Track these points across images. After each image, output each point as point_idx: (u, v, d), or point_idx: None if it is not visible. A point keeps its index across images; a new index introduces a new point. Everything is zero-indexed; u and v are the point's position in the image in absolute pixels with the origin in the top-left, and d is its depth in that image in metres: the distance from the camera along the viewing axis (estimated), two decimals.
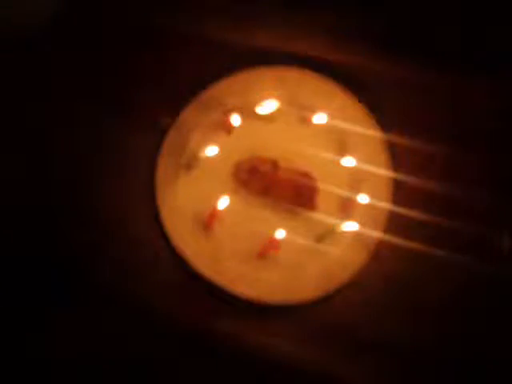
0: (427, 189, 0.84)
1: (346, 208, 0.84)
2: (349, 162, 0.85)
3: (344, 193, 0.84)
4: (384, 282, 0.82)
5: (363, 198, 0.83)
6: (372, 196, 0.83)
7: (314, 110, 0.86)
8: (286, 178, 0.84)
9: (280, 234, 0.82)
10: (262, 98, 0.86)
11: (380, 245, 0.82)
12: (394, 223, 0.83)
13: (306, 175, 0.84)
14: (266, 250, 0.82)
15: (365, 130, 0.85)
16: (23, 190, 0.85)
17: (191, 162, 0.85)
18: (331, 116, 0.86)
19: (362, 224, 0.82)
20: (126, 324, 0.81)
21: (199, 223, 0.84)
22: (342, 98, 0.86)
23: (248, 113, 0.86)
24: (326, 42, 0.89)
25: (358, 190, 0.84)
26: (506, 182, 0.85)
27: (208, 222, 0.83)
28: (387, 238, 0.82)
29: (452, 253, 0.81)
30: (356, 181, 0.85)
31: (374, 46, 0.88)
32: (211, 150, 0.85)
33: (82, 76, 0.88)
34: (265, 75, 0.87)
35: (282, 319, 0.81)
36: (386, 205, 0.83)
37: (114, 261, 0.83)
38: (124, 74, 0.88)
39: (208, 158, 0.85)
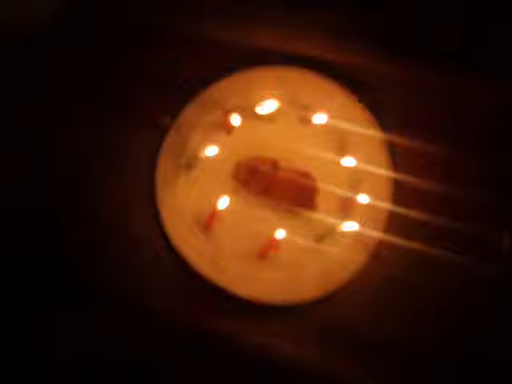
0: (427, 189, 0.84)
1: (346, 208, 0.84)
2: (349, 162, 0.85)
3: (344, 193, 0.84)
4: (384, 282, 0.82)
5: (363, 198, 0.83)
6: (372, 196, 0.83)
7: (314, 110, 0.86)
8: (286, 178, 0.84)
9: (280, 234, 0.82)
10: (262, 98, 0.86)
11: (380, 245, 0.82)
12: (394, 223, 0.83)
13: (306, 175, 0.84)
14: (266, 250, 0.82)
15: (365, 130, 0.85)
16: (23, 190, 0.85)
17: (191, 162, 0.85)
18: (331, 116, 0.86)
19: (361, 224, 0.82)
20: (126, 324, 0.81)
21: (199, 223, 0.84)
22: (341, 98, 0.86)
23: (248, 113, 0.86)
24: (326, 42, 0.89)
25: (357, 190, 0.84)
26: (506, 182, 0.85)
27: (208, 222, 0.83)
28: (387, 237, 0.82)
29: (452, 253, 0.81)
30: (356, 181, 0.85)
31: (374, 45, 0.88)
32: (211, 150, 0.85)
33: (82, 76, 0.88)
34: (265, 75, 0.87)
35: (282, 319, 0.81)
36: (386, 205, 0.83)
37: (114, 261, 0.83)
38: (124, 74, 0.88)
39: (208, 158, 0.85)
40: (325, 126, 0.86)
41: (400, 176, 0.84)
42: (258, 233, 0.83)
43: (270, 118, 0.87)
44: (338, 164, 0.85)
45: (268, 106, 0.86)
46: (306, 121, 0.87)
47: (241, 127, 0.86)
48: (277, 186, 0.84)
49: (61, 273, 0.82)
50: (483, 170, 0.85)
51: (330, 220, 0.83)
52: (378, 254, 0.82)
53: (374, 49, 0.88)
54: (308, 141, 0.86)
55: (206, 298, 0.82)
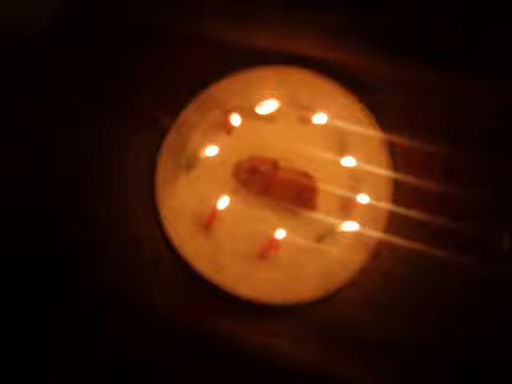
0: (427, 189, 0.84)
1: (346, 208, 0.84)
2: (349, 162, 0.85)
3: (344, 193, 0.84)
4: (384, 281, 0.82)
5: (363, 198, 0.83)
6: (372, 196, 0.83)
7: (314, 110, 0.86)
8: (285, 178, 0.84)
9: (280, 234, 0.82)
10: (262, 98, 0.86)
11: (380, 245, 0.82)
12: (394, 223, 0.83)
13: (306, 175, 0.84)
14: (266, 250, 0.82)
15: (365, 130, 0.85)
16: (23, 190, 0.85)
17: (191, 162, 0.85)
18: (331, 116, 0.86)
19: (362, 224, 0.82)
20: (126, 324, 0.81)
21: (199, 223, 0.84)
22: (342, 98, 0.86)
23: (248, 113, 0.86)
24: (325, 42, 0.89)
25: (357, 190, 0.84)
26: (506, 182, 0.85)
27: (208, 222, 0.83)
28: (387, 237, 0.82)
29: (452, 253, 0.81)
30: (356, 181, 0.85)
31: (374, 45, 0.88)
32: (211, 150, 0.85)
33: (82, 76, 0.88)
34: (265, 75, 0.87)
35: (282, 319, 0.81)
36: (385, 205, 0.83)
37: (114, 261, 0.83)
38: (124, 74, 0.88)
39: (208, 158, 0.85)
40: (325, 126, 0.86)
41: (400, 176, 0.84)
42: (258, 233, 0.83)
43: (269, 118, 0.87)
44: (338, 164, 0.85)
45: (268, 106, 0.86)
46: (305, 121, 0.87)
47: (241, 127, 0.86)
48: (277, 185, 0.84)
49: (61, 273, 0.82)
50: (483, 170, 0.85)
51: (330, 220, 0.83)
52: (378, 253, 0.82)
53: (373, 49, 0.88)
54: (308, 141, 0.86)
55: (206, 298, 0.82)
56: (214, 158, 0.85)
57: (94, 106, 0.87)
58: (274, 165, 0.84)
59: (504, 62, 0.88)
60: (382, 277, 0.82)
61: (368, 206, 0.83)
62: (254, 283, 0.82)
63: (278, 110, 0.87)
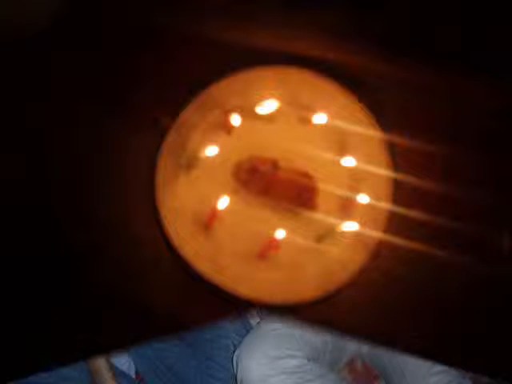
0: (427, 189, 0.84)
1: (346, 208, 0.84)
2: (349, 161, 0.85)
3: (344, 193, 0.84)
4: (384, 281, 0.82)
5: (363, 198, 0.83)
6: (372, 196, 0.83)
7: (314, 110, 0.86)
8: (286, 178, 0.84)
9: (280, 234, 0.82)
10: (262, 98, 0.86)
11: (380, 245, 0.82)
12: (394, 223, 0.83)
13: (306, 175, 0.84)
14: (266, 250, 0.82)
15: (365, 130, 0.85)
16: (23, 190, 0.84)
17: (191, 162, 0.85)
18: (331, 116, 0.86)
19: (361, 224, 0.82)
20: (126, 324, 0.81)
21: (199, 223, 0.84)
22: (342, 98, 0.86)
23: (248, 113, 0.86)
24: (326, 42, 0.89)
25: (357, 190, 0.84)
26: (506, 182, 0.85)
27: (208, 221, 0.83)
28: (387, 237, 0.82)
29: (452, 253, 0.81)
30: (356, 181, 0.85)
31: (374, 45, 0.88)
32: (211, 150, 0.85)
33: (82, 76, 0.88)
34: (265, 75, 0.87)
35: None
36: (385, 205, 0.83)
37: (114, 261, 0.83)
38: (124, 74, 0.88)
39: (208, 158, 0.85)
40: (325, 126, 0.86)
41: (400, 176, 0.84)
42: (258, 233, 0.83)
43: (269, 118, 0.87)
44: (338, 164, 0.85)
45: (268, 106, 0.86)
46: (305, 121, 0.87)
47: (241, 127, 0.86)
48: (277, 185, 0.84)
49: (61, 273, 0.82)
50: (483, 170, 0.85)
51: (330, 220, 0.83)
52: (378, 253, 0.82)
53: (373, 49, 0.88)
54: (308, 141, 0.86)
55: (205, 298, 0.82)
56: (213, 158, 0.85)
57: (94, 105, 0.86)
58: (274, 165, 0.84)
59: (504, 62, 0.87)
60: (382, 277, 0.82)
61: (368, 205, 0.83)
62: (253, 283, 0.82)
63: (278, 110, 0.87)
